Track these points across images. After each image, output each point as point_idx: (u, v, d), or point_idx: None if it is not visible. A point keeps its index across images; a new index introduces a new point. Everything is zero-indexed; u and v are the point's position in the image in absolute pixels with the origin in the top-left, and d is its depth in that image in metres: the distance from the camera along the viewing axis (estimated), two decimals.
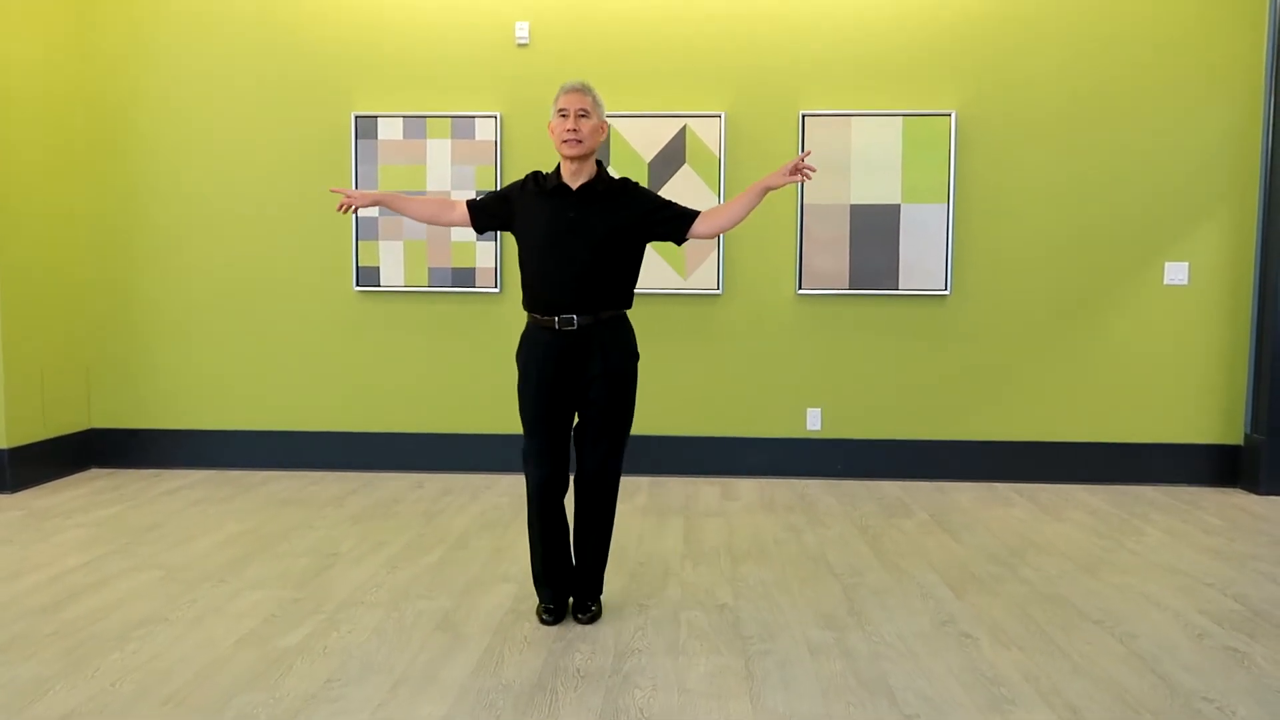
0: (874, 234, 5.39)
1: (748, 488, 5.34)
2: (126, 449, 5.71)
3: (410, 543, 4.23)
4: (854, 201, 5.39)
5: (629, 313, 3.41)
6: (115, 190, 5.63)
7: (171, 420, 5.71)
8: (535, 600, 3.44)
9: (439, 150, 5.47)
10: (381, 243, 5.52)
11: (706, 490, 5.28)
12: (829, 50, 5.41)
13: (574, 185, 3.25)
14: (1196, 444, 5.45)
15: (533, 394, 3.27)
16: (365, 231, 5.53)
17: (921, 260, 5.40)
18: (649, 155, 5.43)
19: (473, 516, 4.68)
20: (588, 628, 3.26)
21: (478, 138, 5.47)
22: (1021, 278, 5.45)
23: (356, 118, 5.49)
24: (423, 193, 5.47)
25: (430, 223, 3.49)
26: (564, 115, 3.19)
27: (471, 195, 5.42)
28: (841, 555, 4.10)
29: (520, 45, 5.47)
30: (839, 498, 5.12)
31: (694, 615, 3.38)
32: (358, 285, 5.56)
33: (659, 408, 5.56)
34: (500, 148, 5.49)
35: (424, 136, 5.48)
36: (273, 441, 5.68)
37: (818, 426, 5.54)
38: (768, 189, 3.22)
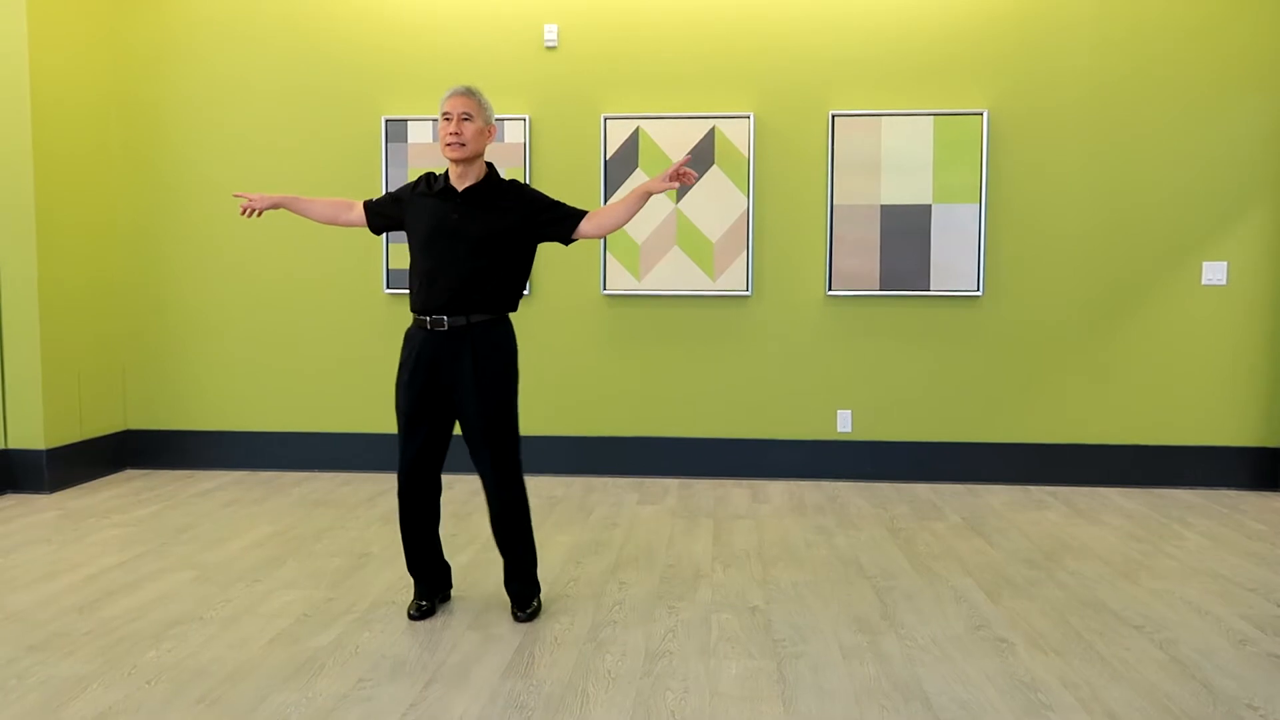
0: (905, 235, 5.35)
1: (777, 490, 5.31)
2: (161, 450, 5.78)
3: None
4: (884, 202, 5.35)
5: (514, 314, 3.46)
6: (150, 196, 5.70)
7: (205, 421, 5.77)
8: (567, 600, 3.46)
9: None
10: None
11: (736, 492, 5.26)
12: (859, 50, 5.38)
13: (459, 187, 3.30)
14: (1236, 447, 5.35)
15: (403, 391, 3.31)
16: (396, 235, 5.56)
17: (953, 261, 5.34)
18: (678, 156, 5.41)
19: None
20: (617, 630, 3.24)
21: (507, 140, 5.49)
22: (1055, 278, 5.38)
23: (386, 121, 5.52)
24: None
25: (330, 223, 3.56)
26: (447, 119, 3.24)
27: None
28: (873, 558, 4.07)
29: (549, 48, 5.48)
30: (870, 500, 5.08)
31: (725, 618, 3.36)
32: (388, 288, 5.59)
33: (688, 409, 5.55)
34: (529, 150, 5.50)
35: None
36: (305, 443, 5.72)
37: (848, 428, 5.50)
38: (649, 193, 3.27)
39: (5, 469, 5.12)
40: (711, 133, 5.40)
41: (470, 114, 3.24)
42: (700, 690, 2.78)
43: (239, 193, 3.60)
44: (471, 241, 3.24)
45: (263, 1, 5.57)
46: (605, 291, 5.51)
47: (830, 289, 5.42)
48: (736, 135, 5.39)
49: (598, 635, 3.20)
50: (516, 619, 3.33)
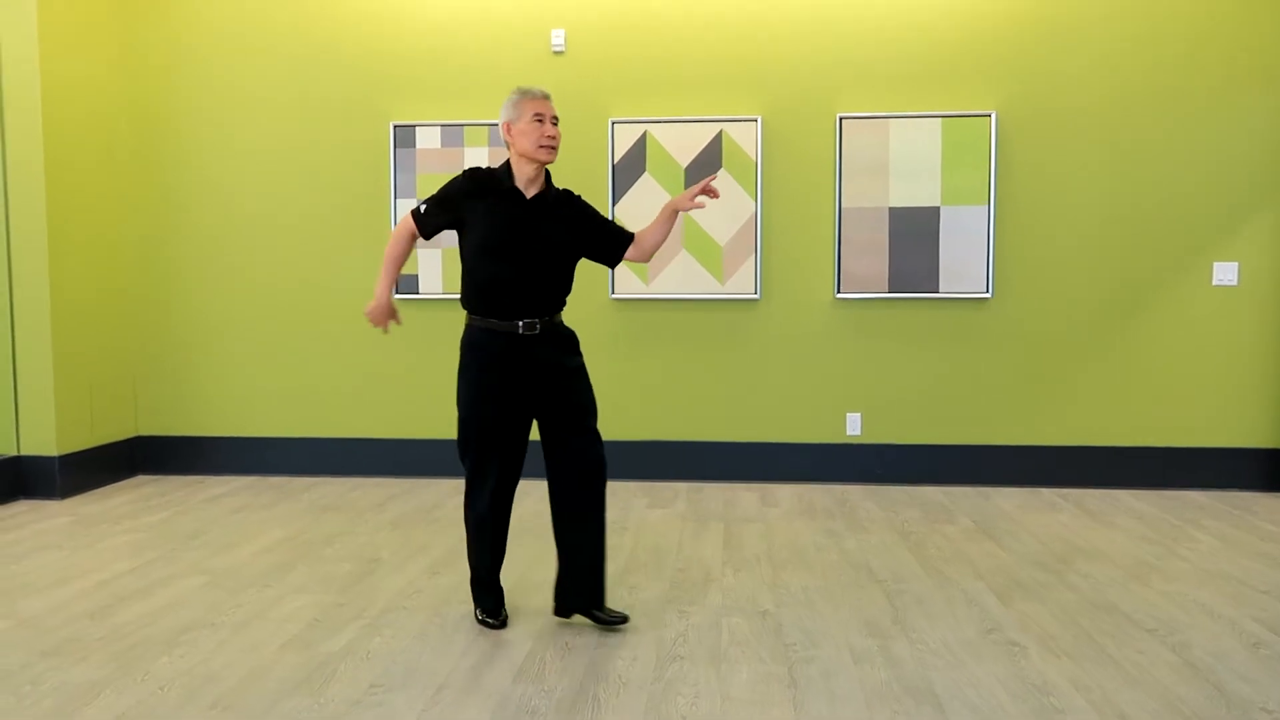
0: (914, 237, 5.34)
1: (787, 493, 5.30)
2: (171, 456, 5.80)
3: (451, 548, 4.25)
4: (893, 204, 5.34)
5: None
6: (160, 204, 5.73)
7: (215, 427, 5.79)
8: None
9: (476, 158, 5.51)
10: (421, 251, 5.57)
11: (745, 496, 5.25)
12: (866, 53, 5.37)
13: (530, 191, 3.25)
14: (1248, 448, 5.33)
15: (490, 400, 3.24)
16: None
17: (962, 263, 5.33)
18: (685, 160, 5.42)
19: (512, 522, 4.66)
20: (627, 634, 3.24)
21: None
22: (1065, 280, 5.37)
23: (395, 127, 5.54)
24: None
25: (407, 255, 3.40)
26: (540, 120, 3.19)
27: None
28: (884, 561, 4.06)
29: (556, 53, 5.49)
30: (880, 503, 5.07)
31: (735, 622, 3.36)
32: (397, 293, 5.61)
33: (697, 413, 5.55)
34: None
35: (461, 145, 5.52)
36: (314, 448, 5.74)
37: (858, 431, 5.49)
38: (677, 210, 3.31)
39: (18, 475, 5.14)
40: (719, 136, 5.41)
41: (558, 118, 3.26)
42: (711, 695, 2.78)
43: (378, 322, 3.38)
44: (553, 245, 3.25)
45: (271, 10, 5.60)
46: (614, 295, 5.52)
47: (839, 292, 5.41)
48: (744, 139, 5.39)
49: (608, 640, 3.20)
50: (602, 621, 3.27)
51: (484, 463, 3.29)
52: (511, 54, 5.51)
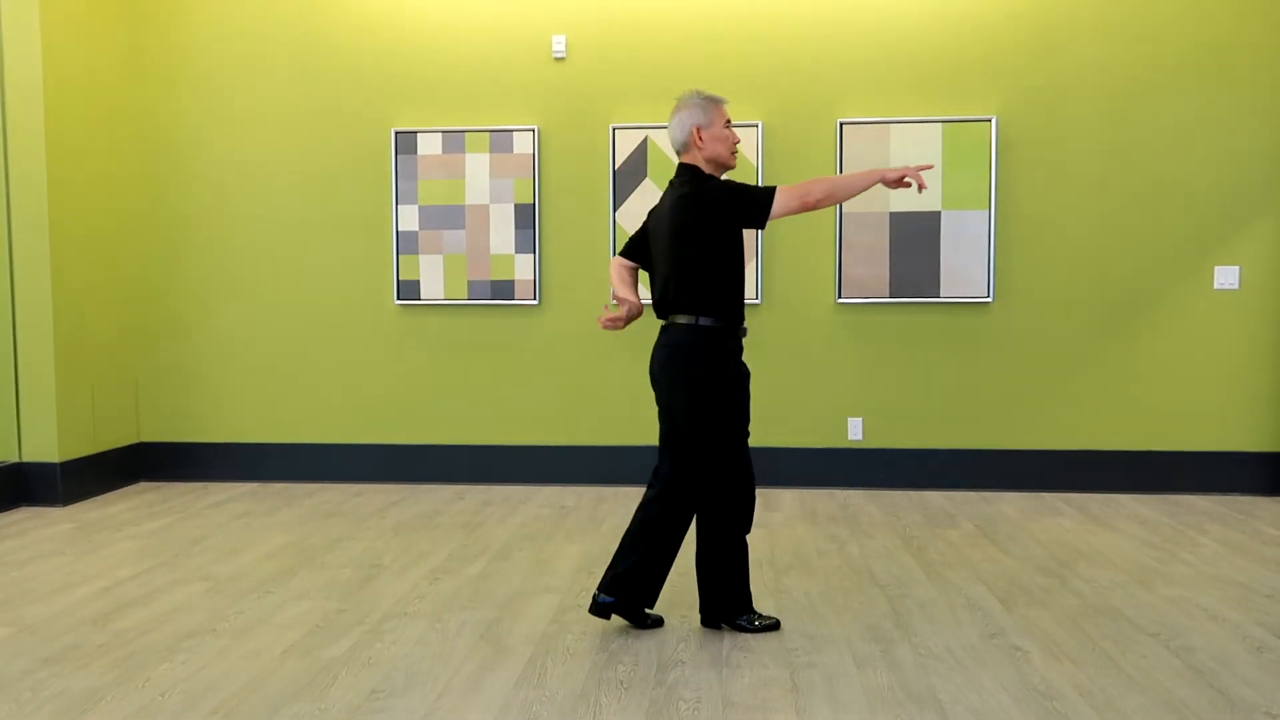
0: (914, 242, 5.34)
1: (789, 498, 5.30)
2: (173, 462, 5.80)
3: (452, 554, 4.24)
4: (894, 209, 5.34)
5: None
6: (162, 210, 5.74)
7: (217, 434, 5.79)
8: (579, 610, 3.46)
9: (477, 164, 5.52)
10: (422, 257, 5.57)
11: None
12: (866, 58, 5.38)
13: None
14: (1250, 452, 5.31)
15: (743, 402, 3.27)
16: (405, 245, 5.58)
17: (963, 268, 5.33)
18: None
19: (514, 528, 4.68)
20: (629, 639, 3.24)
21: (515, 151, 5.51)
22: (1066, 284, 5.36)
23: (396, 134, 5.55)
24: (461, 207, 5.52)
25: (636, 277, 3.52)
26: (729, 126, 3.26)
27: (508, 207, 5.48)
28: (886, 566, 4.05)
29: (557, 59, 5.50)
30: (882, 508, 5.06)
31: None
32: (398, 299, 5.61)
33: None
34: (538, 160, 5.52)
35: (463, 151, 5.52)
36: (316, 454, 5.74)
37: (859, 436, 5.49)
38: (881, 180, 3.15)
39: (20, 482, 5.15)
40: None
41: None
42: (713, 700, 2.77)
43: (605, 318, 3.37)
44: None
45: (273, 15, 5.61)
46: (613, 302, 5.51)
47: (840, 296, 5.41)
48: (745, 144, 5.40)
49: (610, 645, 3.19)
50: (740, 628, 3.29)
51: (748, 460, 3.32)
52: (512, 60, 5.52)
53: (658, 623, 3.35)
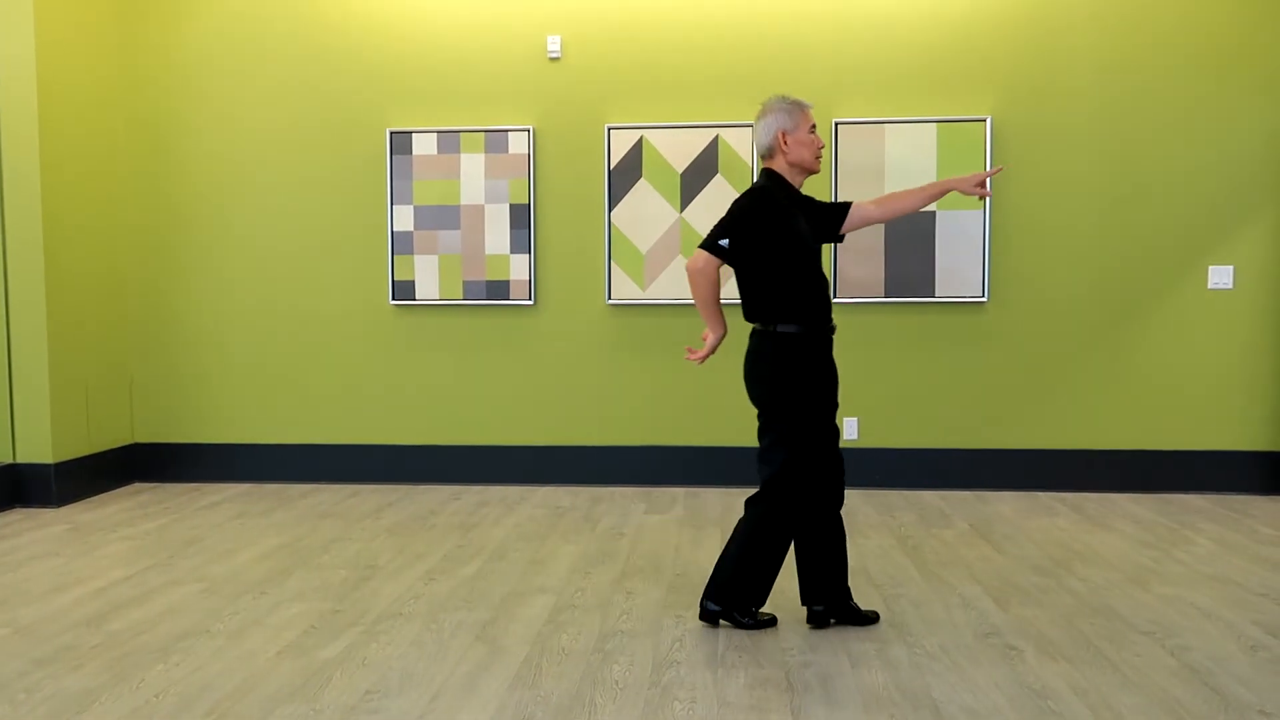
0: (910, 242, 5.35)
1: None
2: (168, 463, 5.79)
3: (448, 554, 4.24)
4: None
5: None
6: (156, 210, 5.73)
7: (212, 435, 5.78)
8: (575, 610, 3.46)
9: (472, 165, 5.51)
10: (417, 257, 5.57)
11: (743, 500, 5.23)
12: (862, 58, 5.38)
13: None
14: (1244, 451, 5.33)
15: (829, 399, 3.30)
16: (400, 246, 5.57)
17: (958, 267, 5.34)
18: (681, 166, 5.43)
19: (509, 528, 4.68)
20: (624, 640, 3.24)
21: (510, 151, 5.50)
22: (1061, 283, 5.37)
23: (391, 134, 5.54)
24: (456, 207, 5.51)
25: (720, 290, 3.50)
26: (814, 131, 3.29)
27: (503, 207, 5.47)
28: (881, 566, 4.05)
29: (552, 59, 5.50)
30: (877, 508, 5.07)
31: (733, 627, 3.35)
32: (393, 299, 5.60)
33: (694, 418, 5.54)
34: (533, 161, 5.51)
35: (458, 151, 5.52)
36: (311, 455, 5.73)
37: (855, 436, 5.49)
38: (948, 191, 3.35)
39: (13, 483, 5.13)
40: (715, 141, 5.41)
41: None
42: (708, 700, 2.77)
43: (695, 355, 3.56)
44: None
45: (267, 14, 5.60)
46: (610, 301, 5.52)
47: (835, 296, 5.41)
48: (740, 144, 5.40)
49: (605, 645, 3.19)
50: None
51: (815, 465, 3.33)
52: (507, 60, 5.52)
53: (771, 622, 3.34)
